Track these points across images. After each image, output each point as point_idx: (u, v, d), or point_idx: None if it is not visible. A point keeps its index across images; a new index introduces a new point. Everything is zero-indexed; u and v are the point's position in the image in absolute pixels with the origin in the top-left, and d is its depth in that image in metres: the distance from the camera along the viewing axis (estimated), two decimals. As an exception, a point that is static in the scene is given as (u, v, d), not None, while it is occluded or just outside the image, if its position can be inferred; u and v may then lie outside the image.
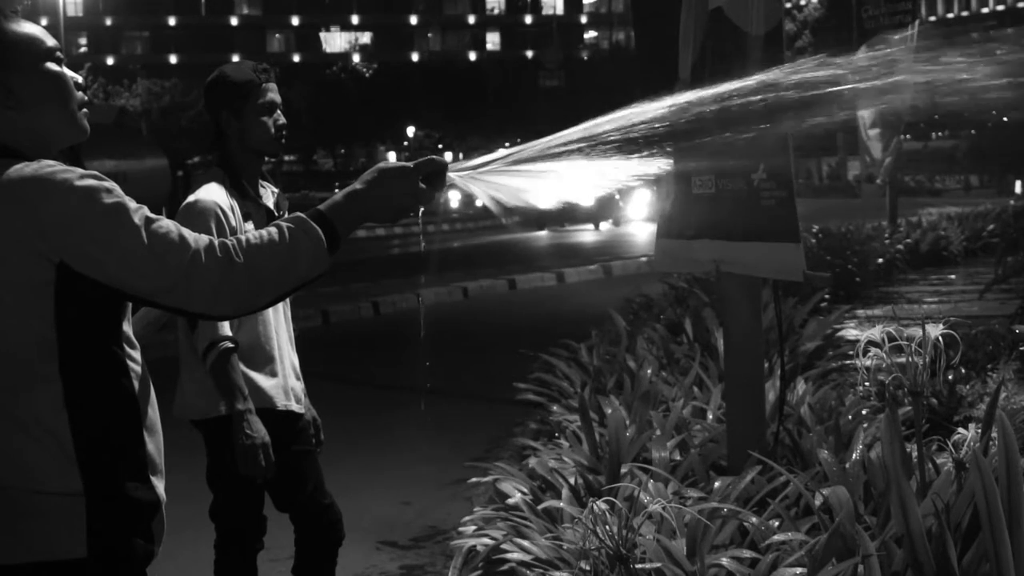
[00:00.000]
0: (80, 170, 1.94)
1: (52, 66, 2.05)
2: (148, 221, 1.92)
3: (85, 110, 2.10)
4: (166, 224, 1.94)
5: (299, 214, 2.00)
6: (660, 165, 2.37)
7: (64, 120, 2.06)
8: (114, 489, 1.97)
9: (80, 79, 2.11)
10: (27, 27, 2.06)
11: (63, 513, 1.93)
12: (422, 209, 2.14)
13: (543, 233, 27.69)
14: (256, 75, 3.41)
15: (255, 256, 1.93)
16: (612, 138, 2.25)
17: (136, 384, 2.04)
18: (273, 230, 1.96)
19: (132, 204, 1.93)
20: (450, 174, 2.17)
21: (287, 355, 3.49)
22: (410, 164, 2.09)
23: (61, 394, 1.93)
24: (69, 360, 1.93)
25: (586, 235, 27.30)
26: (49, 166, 1.92)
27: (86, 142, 2.10)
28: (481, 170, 2.22)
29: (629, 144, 2.27)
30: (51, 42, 2.07)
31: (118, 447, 1.99)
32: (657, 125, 2.30)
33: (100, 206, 1.89)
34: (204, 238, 1.94)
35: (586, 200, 2.38)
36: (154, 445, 2.08)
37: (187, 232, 1.94)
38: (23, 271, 1.88)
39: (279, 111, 3.45)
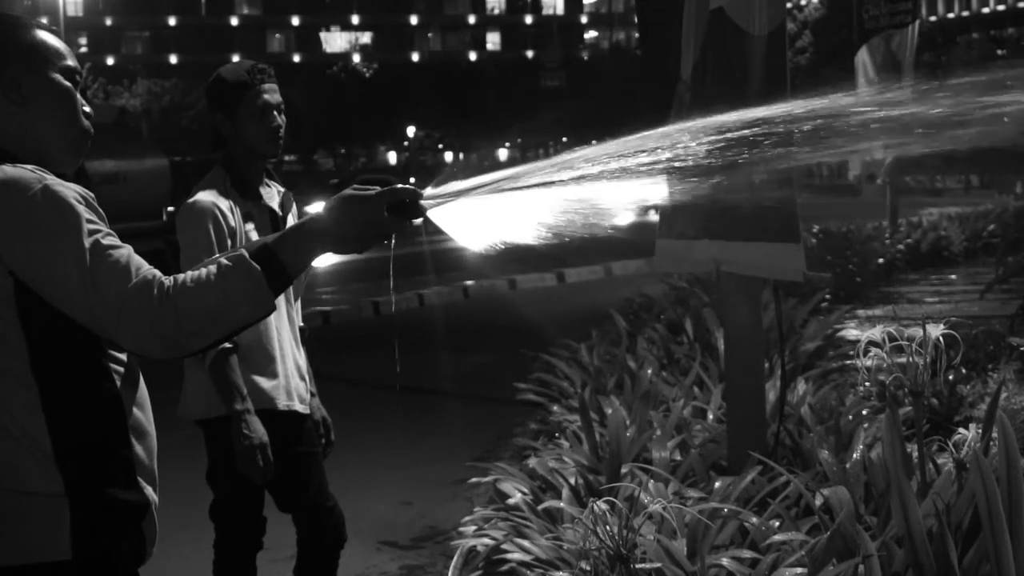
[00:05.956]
0: (52, 179, 1.89)
1: (64, 81, 2.04)
2: (99, 247, 1.85)
3: (88, 124, 2.08)
4: (118, 253, 1.86)
5: (242, 251, 1.89)
6: (664, 194, 2.19)
7: (61, 135, 2.04)
8: (97, 491, 1.95)
9: (90, 110, 2.09)
10: (50, 38, 2.05)
11: (47, 514, 1.92)
12: (394, 238, 1.95)
13: None
14: (250, 76, 3.37)
15: (186, 298, 1.84)
16: (612, 166, 2.07)
17: (120, 387, 2.00)
18: (213, 269, 1.87)
19: (89, 226, 1.86)
20: (425, 203, 1.96)
21: (289, 355, 3.48)
22: (373, 190, 1.93)
23: (38, 397, 1.91)
24: (43, 364, 1.91)
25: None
26: (20, 171, 1.88)
27: None
28: (464, 197, 1.99)
29: (631, 173, 2.08)
30: (72, 61, 2.06)
31: (100, 450, 1.97)
32: (662, 157, 2.11)
33: (51, 223, 1.84)
34: (148, 274, 1.86)
35: (595, 228, 2.12)
36: (143, 447, 2.04)
37: (136, 265, 1.86)
38: None
39: (276, 112, 3.40)
